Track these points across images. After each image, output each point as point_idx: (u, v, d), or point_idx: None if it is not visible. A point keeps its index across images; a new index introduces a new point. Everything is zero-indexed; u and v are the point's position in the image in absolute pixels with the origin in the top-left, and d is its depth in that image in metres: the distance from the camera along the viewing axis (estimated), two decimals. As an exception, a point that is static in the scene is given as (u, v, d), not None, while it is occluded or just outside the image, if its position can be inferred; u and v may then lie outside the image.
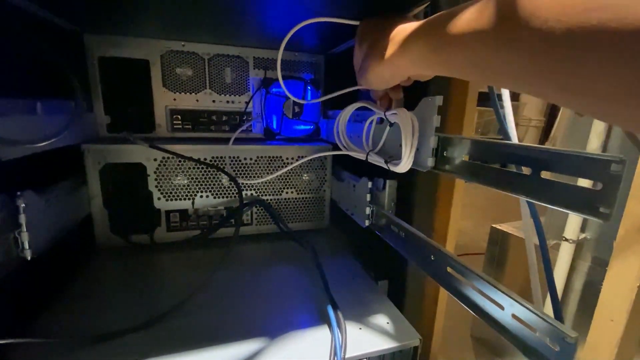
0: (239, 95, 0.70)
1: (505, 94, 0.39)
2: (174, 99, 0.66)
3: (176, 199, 0.62)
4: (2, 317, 0.37)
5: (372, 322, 0.43)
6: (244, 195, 0.65)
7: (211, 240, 0.64)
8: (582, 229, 0.87)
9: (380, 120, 0.47)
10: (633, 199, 0.55)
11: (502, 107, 0.38)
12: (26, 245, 0.39)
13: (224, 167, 0.62)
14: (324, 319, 0.42)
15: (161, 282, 0.52)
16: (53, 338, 0.37)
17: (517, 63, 0.18)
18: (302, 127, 0.74)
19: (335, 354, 0.36)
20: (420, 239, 0.40)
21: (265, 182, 0.66)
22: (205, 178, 0.62)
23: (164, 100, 0.66)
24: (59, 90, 0.48)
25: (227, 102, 0.69)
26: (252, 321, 0.42)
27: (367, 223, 0.54)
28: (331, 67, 0.72)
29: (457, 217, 0.46)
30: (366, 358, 0.38)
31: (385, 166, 0.43)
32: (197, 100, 0.68)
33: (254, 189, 0.66)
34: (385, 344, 0.39)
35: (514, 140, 0.38)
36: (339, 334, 0.39)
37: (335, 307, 0.43)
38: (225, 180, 0.63)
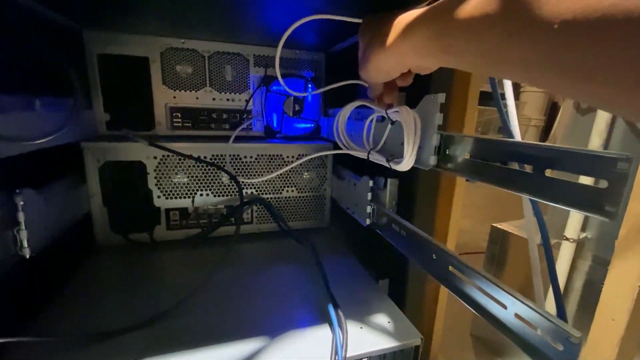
0: (239, 93, 0.70)
1: (509, 92, 0.39)
2: (174, 97, 0.66)
3: (176, 197, 0.61)
4: (0, 316, 0.37)
5: (373, 321, 0.42)
6: (244, 194, 0.64)
7: (211, 239, 0.63)
8: (583, 228, 0.87)
9: (381, 119, 0.47)
10: (635, 199, 0.55)
11: (505, 105, 0.38)
12: (25, 244, 0.38)
13: (224, 166, 0.62)
14: (324, 318, 0.42)
15: (161, 280, 0.52)
16: (52, 337, 0.37)
17: (530, 50, 0.17)
18: (303, 125, 0.74)
19: (336, 353, 0.36)
20: (422, 238, 0.39)
21: (266, 181, 0.66)
22: (205, 176, 0.62)
23: (163, 97, 0.65)
24: (58, 88, 0.48)
25: (228, 100, 0.69)
26: (253, 320, 0.42)
27: (368, 222, 0.53)
28: (332, 65, 0.72)
29: (458, 216, 0.46)
30: (367, 357, 0.38)
31: (386, 165, 0.42)
32: (197, 98, 0.67)
33: (254, 188, 0.66)
34: (386, 343, 0.38)
35: (518, 138, 0.38)
36: (340, 333, 0.38)
37: (336, 306, 0.43)
38: (225, 178, 0.63)
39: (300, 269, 0.55)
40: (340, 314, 0.42)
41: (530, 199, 0.40)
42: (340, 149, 0.55)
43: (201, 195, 0.63)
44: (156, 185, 0.60)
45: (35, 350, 0.35)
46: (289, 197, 0.69)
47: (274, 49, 0.69)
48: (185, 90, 0.66)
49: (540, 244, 0.41)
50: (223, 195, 0.64)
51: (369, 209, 0.53)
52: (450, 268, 0.34)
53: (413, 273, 0.50)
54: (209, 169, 0.62)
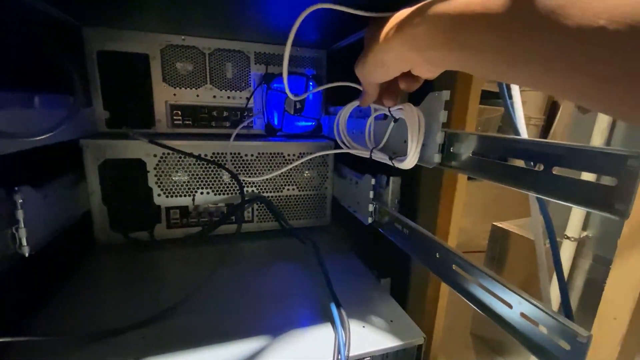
0: (240, 91, 0.69)
1: (516, 88, 0.39)
2: (174, 94, 0.65)
3: (176, 196, 0.61)
4: (-1, 315, 0.37)
5: (375, 320, 0.42)
6: (245, 192, 0.64)
7: (212, 238, 0.63)
8: (584, 227, 0.87)
9: (383, 116, 0.47)
10: (638, 198, 0.55)
11: (512, 102, 0.38)
12: (24, 242, 0.38)
13: (224, 164, 0.61)
14: (326, 317, 0.42)
15: (161, 279, 0.51)
16: (51, 336, 0.37)
17: (556, 50, 0.16)
18: (304, 123, 0.73)
19: (339, 352, 0.36)
20: (426, 237, 0.39)
21: (267, 179, 0.66)
22: (206, 174, 0.62)
23: (164, 95, 0.65)
24: (57, 84, 0.47)
25: (228, 97, 0.69)
26: (254, 319, 0.42)
27: (369, 220, 0.53)
28: (334, 62, 0.71)
29: (459, 214, 0.46)
30: (370, 357, 0.37)
31: (390, 163, 0.42)
32: (198, 96, 0.67)
33: (255, 186, 0.66)
34: (389, 343, 0.38)
35: (524, 135, 0.38)
36: (343, 332, 0.38)
37: (339, 305, 0.43)
38: (226, 176, 0.63)
39: (302, 268, 0.55)
40: (343, 312, 0.41)
41: (537, 197, 0.39)
42: (340, 147, 0.55)
43: (202, 193, 0.62)
44: (156, 183, 0.59)
45: (35, 349, 0.35)
46: (290, 196, 0.69)
47: (275, 46, 0.69)
48: (185, 88, 0.66)
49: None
50: (224, 194, 0.64)
51: (371, 208, 0.53)
52: (454, 267, 0.34)
53: (415, 272, 0.50)
54: (210, 167, 0.61)
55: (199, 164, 0.61)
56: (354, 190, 0.59)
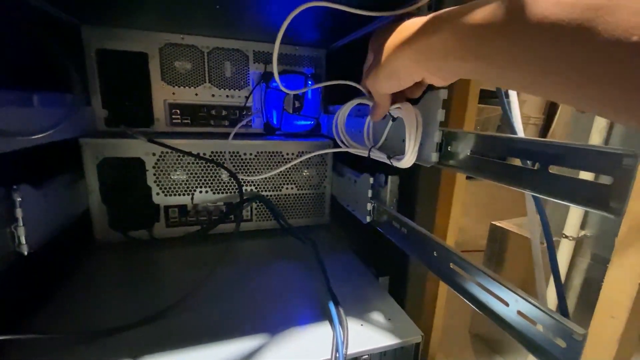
0: (239, 90, 0.69)
1: (512, 88, 0.39)
2: (173, 93, 0.65)
3: (175, 195, 0.61)
4: (-2, 313, 0.37)
5: (373, 318, 0.42)
6: (243, 191, 0.64)
7: (210, 236, 0.63)
8: (582, 226, 0.87)
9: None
10: (635, 197, 0.55)
11: (509, 101, 0.38)
12: (23, 240, 0.38)
13: (223, 163, 0.61)
14: (325, 315, 0.42)
15: (160, 278, 0.51)
16: (50, 334, 0.37)
17: (585, 64, 0.16)
18: (303, 122, 0.73)
19: (337, 350, 0.36)
20: (423, 235, 0.39)
21: (265, 178, 0.66)
22: (205, 173, 0.62)
23: (162, 94, 0.65)
24: (56, 83, 0.47)
25: (227, 96, 0.69)
26: (253, 318, 0.42)
27: (368, 219, 0.53)
28: (333, 61, 0.71)
29: (458, 213, 0.46)
30: (368, 355, 0.37)
31: (388, 162, 0.42)
32: (197, 95, 0.67)
33: (254, 185, 0.66)
34: (387, 341, 0.38)
35: (521, 135, 0.38)
36: (341, 330, 0.38)
37: (337, 303, 0.43)
38: (224, 175, 0.63)
39: (301, 267, 0.55)
40: (341, 311, 0.41)
41: (532, 196, 0.39)
42: (339, 146, 0.55)
43: (200, 192, 0.62)
44: (155, 182, 0.59)
45: (34, 347, 0.35)
46: (289, 195, 0.69)
47: (274, 45, 0.68)
48: (184, 87, 0.66)
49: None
50: (222, 193, 0.64)
51: (369, 207, 0.53)
52: (452, 265, 0.34)
53: (413, 271, 0.50)
54: (209, 166, 0.62)
55: (197, 163, 0.61)
56: (352, 189, 0.59)
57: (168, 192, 0.60)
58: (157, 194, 0.60)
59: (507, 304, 0.28)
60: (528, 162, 0.27)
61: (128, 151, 0.57)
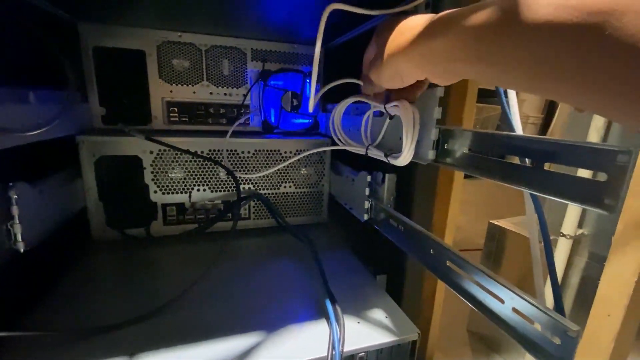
0: (237, 88, 0.69)
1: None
2: (171, 91, 0.65)
3: (173, 193, 0.61)
4: (-6, 310, 0.37)
5: (370, 316, 0.42)
6: (241, 189, 0.64)
7: (208, 234, 0.63)
8: (580, 225, 0.88)
9: (379, 113, 0.47)
10: (632, 195, 0.55)
11: (507, 99, 0.38)
12: (19, 237, 0.38)
13: (221, 161, 0.61)
14: (322, 313, 0.42)
15: (157, 276, 0.51)
16: (47, 332, 0.37)
17: (597, 69, 0.15)
18: (301, 120, 0.73)
19: (333, 347, 0.36)
20: (420, 233, 0.39)
21: (263, 176, 0.66)
22: (202, 171, 0.62)
23: (160, 92, 0.65)
24: (52, 80, 0.47)
25: (225, 94, 0.68)
26: (250, 315, 0.42)
27: (365, 217, 0.53)
28: (331, 59, 0.71)
29: (456, 211, 0.46)
30: (364, 352, 0.38)
31: (385, 160, 0.42)
32: (194, 92, 0.67)
33: (252, 183, 0.66)
34: (383, 338, 0.38)
35: (519, 132, 0.38)
36: (337, 328, 0.38)
37: (334, 301, 0.43)
38: (222, 173, 0.63)
39: (298, 265, 0.55)
40: (338, 309, 0.41)
41: (531, 194, 0.40)
42: (337, 144, 0.55)
43: (198, 190, 0.62)
44: (152, 180, 0.59)
45: (30, 344, 0.35)
46: (287, 193, 0.69)
47: (272, 43, 0.68)
48: (182, 85, 0.66)
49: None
50: (220, 191, 0.64)
51: (366, 205, 0.53)
52: (448, 263, 0.34)
53: (411, 269, 0.50)
54: (206, 164, 0.61)
55: (195, 161, 0.61)
56: (350, 188, 0.59)
57: (166, 190, 0.60)
58: (155, 192, 0.60)
59: (502, 301, 0.28)
60: (526, 160, 0.27)
61: (125, 149, 0.57)
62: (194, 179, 0.61)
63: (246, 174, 0.64)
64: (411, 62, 0.27)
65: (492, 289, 0.29)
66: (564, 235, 0.88)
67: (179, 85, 0.65)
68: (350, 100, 0.48)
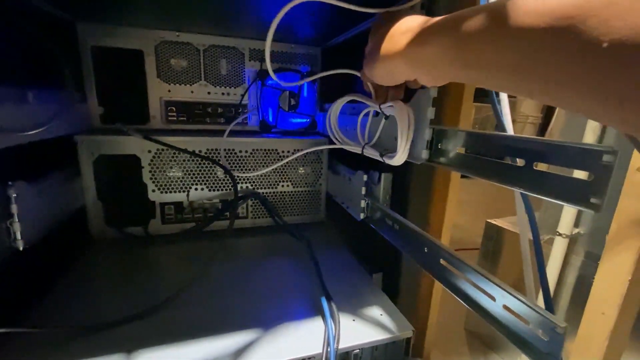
0: (235, 87, 0.69)
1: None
2: (169, 90, 0.66)
3: (171, 192, 0.61)
4: (-6, 308, 0.37)
5: (365, 314, 0.43)
6: (239, 188, 0.64)
7: (206, 233, 0.64)
8: (576, 224, 0.88)
9: (376, 113, 0.47)
10: (625, 195, 0.56)
11: (499, 99, 0.38)
12: (18, 236, 0.38)
13: (219, 160, 0.62)
14: (318, 311, 0.43)
15: (155, 274, 0.52)
16: (46, 328, 0.37)
17: (572, 68, 0.16)
18: (298, 120, 0.74)
19: (328, 344, 0.36)
20: (414, 232, 0.40)
21: (261, 175, 0.66)
22: (200, 170, 0.62)
23: (158, 91, 0.65)
24: (51, 80, 0.48)
25: (223, 94, 0.69)
26: (247, 313, 0.42)
27: (362, 216, 0.54)
28: (328, 59, 0.72)
29: (453, 211, 0.46)
30: (359, 349, 0.38)
31: (380, 159, 0.43)
32: (192, 92, 0.67)
33: (250, 182, 0.66)
34: (378, 336, 0.39)
35: (510, 132, 0.38)
36: (333, 325, 0.39)
37: (329, 299, 0.43)
38: (220, 172, 0.63)
39: (295, 263, 0.56)
40: (333, 306, 0.42)
41: (521, 193, 0.40)
42: (334, 143, 0.55)
43: (196, 189, 0.63)
44: (151, 179, 0.60)
45: (30, 341, 0.36)
46: (285, 192, 0.69)
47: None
48: (180, 84, 0.66)
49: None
50: (218, 190, 0.64)
51: (363, 204, 0.53)
52: (442, 261, 0.35)
53: (407, 267, 0.50)
54: (204, 163, 0.62)
55: (193, 160, 0.61)
56: (347, 187, 0.60)
57: (164, 189, 0.61)
58: (153, 190, 0.60)
59: (493, 299, 0.29)
60: (517, 160, 0.28)
61: (124, 148, 0.57)
62: (192, 178, 0.62)
63: (244, 173, 0.64)
64: (402, 66, 0.29)
65: (483, 287, 0.30)
66: (560, 235, 0.88)
67: (177, 84, 0.66)
68: (346, 99, 0.49)
